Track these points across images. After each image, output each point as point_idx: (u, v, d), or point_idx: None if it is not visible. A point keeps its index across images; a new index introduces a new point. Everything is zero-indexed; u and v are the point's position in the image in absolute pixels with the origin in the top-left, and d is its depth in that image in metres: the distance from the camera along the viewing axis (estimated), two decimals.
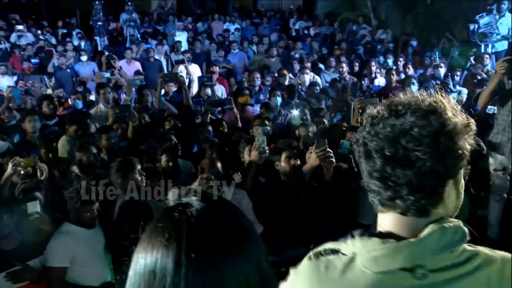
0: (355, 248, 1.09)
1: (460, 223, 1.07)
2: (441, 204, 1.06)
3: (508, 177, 4.36)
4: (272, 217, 3.42)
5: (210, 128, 5.34)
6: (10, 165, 3.58)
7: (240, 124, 5.95)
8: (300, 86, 7.96)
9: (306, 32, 13.47)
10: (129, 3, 12.94)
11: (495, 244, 1.22)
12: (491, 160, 4.42)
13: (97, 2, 12.24)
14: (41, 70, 10.41)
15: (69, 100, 7.60)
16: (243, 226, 0.88)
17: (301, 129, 5.04)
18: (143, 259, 0.83)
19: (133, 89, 6.55)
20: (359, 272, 1.06)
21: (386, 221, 1.11)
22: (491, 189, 4.39)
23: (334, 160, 3.44)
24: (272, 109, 5.95)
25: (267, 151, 3.67)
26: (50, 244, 3.20)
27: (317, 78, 8.40)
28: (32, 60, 10.45)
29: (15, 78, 9.40)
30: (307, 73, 8.26)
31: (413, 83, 6.57)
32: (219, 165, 3.58)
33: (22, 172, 3.62)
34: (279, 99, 6.41)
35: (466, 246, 1.06)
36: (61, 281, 3.19)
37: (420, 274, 1.01)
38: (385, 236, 1.08)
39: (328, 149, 3.38)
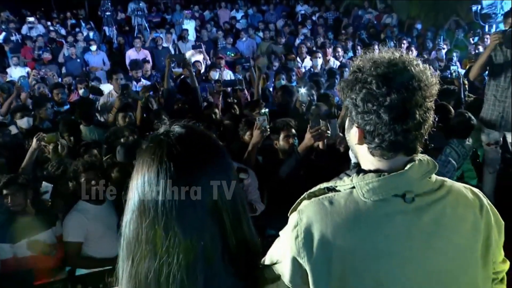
0: (352, 183, 1.27)
1: (427, 156, 1.30)
2: (421, 141, 1.28)
3: (500, 150, 4.48)
4: (274, 195, 3.56)
5: (217, 110, 5.51)
6: (34, 140, 3.86)
7: None
8: (312, 70, 8.10)
9: (313, 18, 13.50)
10: None
11: None
12: (483, 136, 4.53)
13: None
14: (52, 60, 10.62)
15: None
16: (219, 152, 1.04)
17: (313, 109, 5.17)
18: (135, 180, 0.99)
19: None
20: (360, 201, 1.24)
21: (376, 162, 1.30)
22: (485, 162, 4.51)
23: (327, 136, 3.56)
24: (291, 93, 6.02)
25: (269, 130, 3.78)
26: (65, 221, 3.42)
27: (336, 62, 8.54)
28: (44, 51, 10.65)
29: (27, 69, 9.61)
30: (319, 57, 8.35)
31: None
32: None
33: (43, 144, 3.91)
34: (283, 82, 6.54)
35: (435, 175, 1.30)
36: (77, 254, 3.41)
37: (409, 198, 1.23)
38: (376, 172, 1.27)
39: (323, 129, 3.50)
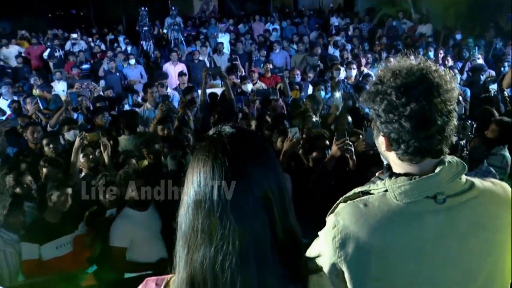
0: (385, 186, 1.32)
1: (456, 158, 1.34)
2: (447, 143, 1.32)
3: None
4: (301, 203, 3.60)
5: (253, 121, 5.62)
6: (77, 139, 4.07)
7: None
8: (346, 80, 8.10)
9: (345, 28, 13.51)
10: (173, 8, 13.44)
11: None
12: None
13: (142, 8, 12.84)
14: (93, 74, 11.04)
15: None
16: (266, 149, 1.11)
17: (339, 121, 5.20)
18: (190, 176, 1.06)
19: None
20: (392, 204, 1.29)
21: (406, 167, 1.35)
22: None
23: (353, 150, 3.55)
24: (317, 102, 6.12)
25: (300, 142, 3.83)
26: (112, 227, 3.55)
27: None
28: (84, 66, 11.11)
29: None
30: (354, 68, 8.33)
31: (455, 74, 6.54)
32: None
33: (86, 142, 4.13)
34: (322, 93, 6.60)
35: (465, 176, 1.33)
36: (121, 258, 3.52)
37: (440, 199, 1.27)
38: (407, 175, 1.32)
39: (348, 141, 3.50)
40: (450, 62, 8.19)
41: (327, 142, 3.89)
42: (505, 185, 1.39)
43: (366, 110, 5.92)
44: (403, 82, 1.27)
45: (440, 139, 1.28)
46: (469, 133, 3.85)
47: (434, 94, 1.25)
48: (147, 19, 12.79)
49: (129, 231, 3.51)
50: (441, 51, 9.19)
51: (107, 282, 3.57)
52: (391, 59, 1.41)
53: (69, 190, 3.53)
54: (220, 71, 6.96)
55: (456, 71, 6.83)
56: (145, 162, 4.56)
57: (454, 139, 4.52)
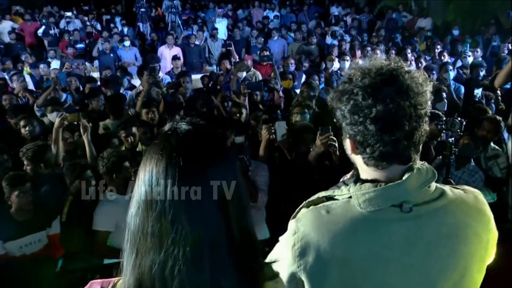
0: (349, 192, 1.25)
1: (427, 164, 1.27)
2: (416, 149, 1.25)
3: None
4: (287, 194, 3.58)
5: (244, 110, 5.53)
6: (57, 119, 3.98)
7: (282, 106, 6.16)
8: (339, 72, 8.00)
9: (344, 19, 13.38)
10: None
11: None
12: (510, 144, 4.38)
13: None
14: (88, 54, 10.92)
15: None
16: (224, 148, 1.06)
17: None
18: (142, 174, 1.01)
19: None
20: (356, 212, 1.22)
21: (372, 172, 1.28)
22: (511, 172, 4.36)
23: (336, 146, 3.51)
24: (313, 88, 6.04)
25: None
26: (96, 210, 3.48)
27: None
28: (78, 45, 10.98)
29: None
30: (347, 60, 8.23)
31: (450, 70, 6.50)
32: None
33: (66, 123, 4.04)
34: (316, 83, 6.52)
35: (435, 183, 1.27)
36: (104, 244, 3.46)
37: (406, 208, 1.21)
38: (373, 182, 1.26)
39: (332, 137, 3.47)
40: (446, 58, 8.09)
41: (312, 135, 3.84)
42: (478, 193, 1.34)
43: None
44: (371, 82, 1.19)
45: (407, 144, 1.21)
46: (458, 130, 3.82)
47: (403, 97, 1.17)
48: (144, 0, 12.62)
49: (114, 215, 3.42)
50: (438, 46, 9.11)
51: (85, 268, 3.53)
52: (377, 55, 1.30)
53: (28, 187, 3.32)
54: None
55: (451, 67, 6.75)
56: (122, 148, 4.45)
57: (443, 136, 4.52)
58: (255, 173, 3.64)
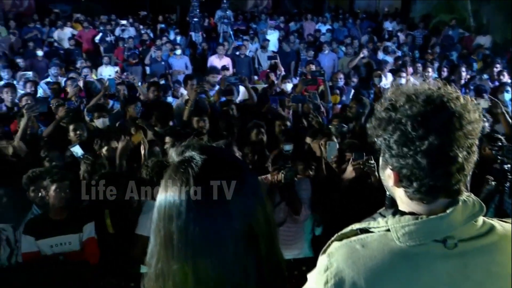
0: (387, 225, 1.15)
1: (474, 196, 1.16)
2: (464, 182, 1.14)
3: None
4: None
5: (288, 122, 5.50)
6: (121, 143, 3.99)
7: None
8: None
9: (398, 34, 13.05)
10: (225, 1, 13.44)
11: None
12: None
13: None
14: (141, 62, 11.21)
15: None
16: (241, 169, 0.98)
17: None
18: (158, 212, 0.97)
19: None
20: (395, 246, 1.12)
21: (413, 206, 1.18)
22: None
23: (375, 167, 3.31)
24: (363, 105, 5.88)
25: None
26: (142, 215, 3.48)
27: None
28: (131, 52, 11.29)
29: (116, 68, 10.19)
30: (403, 77, 7.96)
31: (506, 91, 6.16)
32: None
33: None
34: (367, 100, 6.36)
35: (483, 217, 1.16)
36: (145, 249, 3.42)
37: (451, 244, 1.10)
38: (414, 214, 1.15)
39: (369, 162, 3.30)
40: (506, 78, 7.67)
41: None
42: None
43: None
44: (421, 110, 1.09)
45: (459, 178, 1.11)
46: None
47: (456, 127, 1.08)
48: (198, 10, 12.86)
49: None
50: (498, 65, 8.66)
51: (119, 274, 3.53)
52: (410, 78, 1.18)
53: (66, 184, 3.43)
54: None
55: (509, 88, 6.38)
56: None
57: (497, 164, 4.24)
58: (299, 186, 3.56)
